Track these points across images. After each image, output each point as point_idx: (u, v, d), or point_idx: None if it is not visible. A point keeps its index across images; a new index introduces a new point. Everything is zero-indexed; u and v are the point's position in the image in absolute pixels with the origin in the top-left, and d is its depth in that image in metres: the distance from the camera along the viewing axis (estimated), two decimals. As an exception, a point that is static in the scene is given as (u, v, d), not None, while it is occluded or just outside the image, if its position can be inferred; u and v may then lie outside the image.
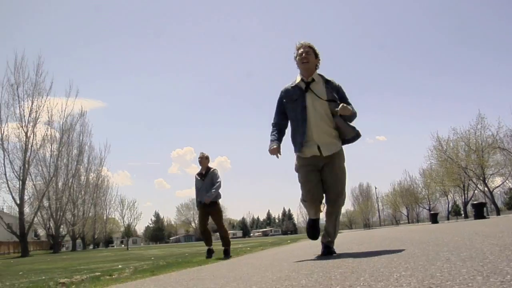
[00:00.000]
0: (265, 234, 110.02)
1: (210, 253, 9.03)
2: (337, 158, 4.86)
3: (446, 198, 63.08)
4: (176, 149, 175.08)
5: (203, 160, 9.30)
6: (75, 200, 53.44)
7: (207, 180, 9.09)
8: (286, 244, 14.59)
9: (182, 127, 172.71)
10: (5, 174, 37.80)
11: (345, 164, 4.95)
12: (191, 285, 3.45)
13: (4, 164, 37.76)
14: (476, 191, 50.04)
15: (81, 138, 51.54)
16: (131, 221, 55.67)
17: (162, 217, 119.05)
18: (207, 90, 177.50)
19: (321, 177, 4.86)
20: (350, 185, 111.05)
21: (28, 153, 38.70)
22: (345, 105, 4.65)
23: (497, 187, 48.47)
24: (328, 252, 4.93)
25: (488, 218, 26.54)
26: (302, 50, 4.93)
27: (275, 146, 4.93)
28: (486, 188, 45.58)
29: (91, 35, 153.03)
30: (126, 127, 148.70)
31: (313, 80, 4.90)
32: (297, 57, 4.96)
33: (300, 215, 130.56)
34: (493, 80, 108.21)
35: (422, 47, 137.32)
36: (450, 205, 66.51)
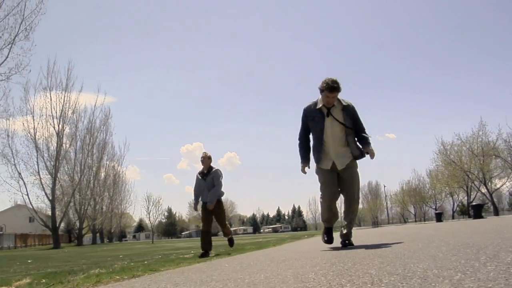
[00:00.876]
0: (275, 230, 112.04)
1: (205, 255, 8.45)
2: (350, 168, 5.88)
3: (452, 198, 65.76)
4: (186, 144, 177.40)
5: (206, 159, 9.32)
6: (96, 196, 56.49)
7: (209, 179, 9.12)
8: (305, 239, 17.01)
9: (192, 122, 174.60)
10: (38, 172, 41.05)
11: (358, 170, 6.00)
12: (269, 258, 5.38)
13: (37, 162, 41.02)
14: (478, 193, 52.97)
15: (104, 137, 54.52)
16: (156, 217, 57.98)
17: (174, 212, 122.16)
18: (217, 85, 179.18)
19: (338, 182, 5.94)
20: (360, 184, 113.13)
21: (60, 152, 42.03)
22: (373, 151, 5.84)
23: (497, 189, 51.41)
24: (348, 244, 5.96)
25: (485, 218, 29.11)
26: (327, 87, 5.61)
27: (306, 168, 6.11)
28: (486, 190, 48.59)
29: (100, 31, 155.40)
30: (135, 122, 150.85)
31: (333, 106, 5.74)
32: (324, 92, 5.64)
33: (309, 212, 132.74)
34: (501, 80, 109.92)
35: (435, 47, 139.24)
36: (456, 205, 68.96)
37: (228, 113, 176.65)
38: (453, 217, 61.98)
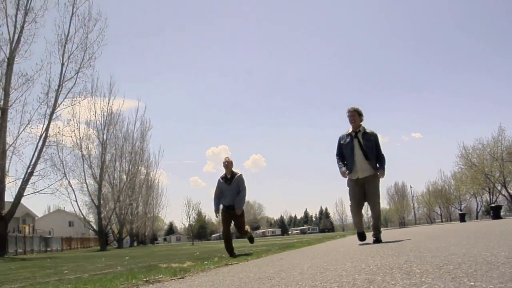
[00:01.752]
0: (303, 232, 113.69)
1: (233, 254, 9.19)
2: (372, 178, 7.74)
3: (476, 199, 67.67)
4: (211, 147, 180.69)
5: (229, 164, 9.50)
6: (133, 201, 60.06)
7: (233, 184, 9.32)
8: (338, 238, 19.79)
9: (217, 125, 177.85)
10: (85, 180, 44.70)
11: (380, 182, 7.89)
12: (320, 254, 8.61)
13: (84, 170, 44.66)
14: (500, 195, 55.39)
15: (142, 145, 58.05)
16: (195, 220, 61.27)
17: (204, 215, 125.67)
18: (241, 87, 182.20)
19: (364, 191, 7.81)
20: (386, 184, 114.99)
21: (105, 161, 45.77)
22: (383, 174, 7.83)
23: None
24: (377, 241, 7.64)
25: (503, 218, 31.46)
26: (349, 114, 7.91)
27: (344, 169, 7.84)
28: (506, 192, 50.96)
29: (125, 34, 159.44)
30: (161, 126, 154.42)
31: (359, 131, 7.87)
32: (348, 118, 7.93)
33: (336, 213, 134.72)
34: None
35: (463, 49, 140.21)
36: (481, 205, 70.69)
37: (253, 115, 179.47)
38: (477, 217, 63.91)
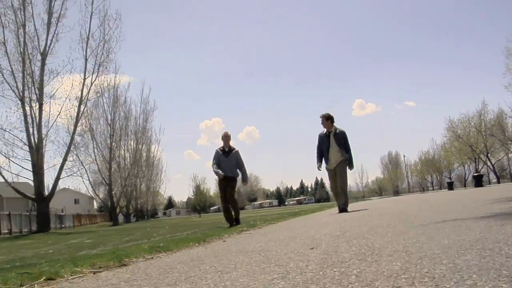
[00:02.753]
0: (299, 202, 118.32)
1: (232, 223, 10.01)
2: (341, 164, 10.23)
3: (463, 168, 71.94)
4: (205, 120, 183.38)
5: (228, 138, 10.44)
6: (137, 177, 63.42)
7: (231, 158, 10.26)
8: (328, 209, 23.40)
9: (210, 98, 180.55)
10: (96, 159, 47.86)
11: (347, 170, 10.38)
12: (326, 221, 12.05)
13: (94, 151, 47.82)
14: (485, 165, 59.93)
15: (146, 125, 61.13)
16: (201, 194, 64.79)
17: (202, 189, 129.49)
18: (233, 60, 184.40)
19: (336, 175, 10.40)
20: (380, 153, 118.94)
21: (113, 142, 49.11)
22: (351, 167, 10.39)
23: (498, 161, 58.35)
24: (343, 211, 10.08)
25: (484, 186, 35.11)
26: (321, 120, 10.39)
27: (318, 165, 10.49)
28: (489, 163, 55.36)
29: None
30: (153, 100, 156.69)
31: (331, 131, 10.35)
32: (322, 122, 10.41)
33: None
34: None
35: (456, 19, 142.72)
36: (468, 174, 74.94)
37: (246, 88, 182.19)
38: (465, 185, 68.07)
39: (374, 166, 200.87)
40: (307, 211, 16.67)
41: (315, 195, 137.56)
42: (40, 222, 25.84)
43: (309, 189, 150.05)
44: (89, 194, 67.66)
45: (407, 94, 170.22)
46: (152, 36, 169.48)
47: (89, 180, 48.23)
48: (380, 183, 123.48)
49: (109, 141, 49.27)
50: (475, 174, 38.03)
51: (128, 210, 61.22)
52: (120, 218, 68.05)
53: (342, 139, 10.33)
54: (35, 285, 2.92)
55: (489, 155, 57.45)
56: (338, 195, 10.54)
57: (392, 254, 2.46)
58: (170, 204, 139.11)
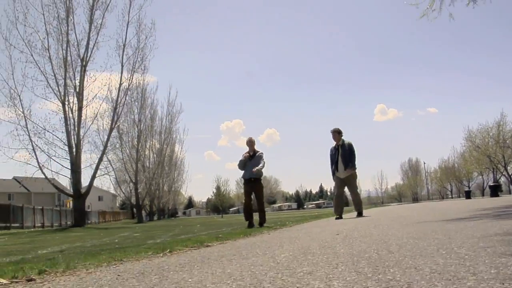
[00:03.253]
0: (318, 206, 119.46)
1: (251, 226, 10.38)
2: (351, 178, 11.70)
3: (482, 177, 72.84)
4: (225, 122, 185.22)
5: (252, 143, 11.02)
6: (161, 177, 65.57)
7: (254, 160, 10.76)
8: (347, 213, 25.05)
9: (231, 100, 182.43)
10: (123, 160, 49.98)
11: (357, 180, 12.15)
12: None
13: (121, 151, 49.92)
14: (502, 175, 61.07)
15: (172, 126, 63.37)
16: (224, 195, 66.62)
17: (222, 190, 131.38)
18: (255, 63, 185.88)
19: (344, 184, 11.74)
20: (400, 159, 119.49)
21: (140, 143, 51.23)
22: (353, 169, 11.70)
23: None
24: (359, 215, 11.70)
25: (499, 196, 36.25)
26: (332, 134, 11.86)
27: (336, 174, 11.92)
28: (507, 173, 56.38)
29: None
30: (182, 103, 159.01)
31: (340, 145, 11.76)
32: (332, 135, 11.87)
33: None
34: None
35: (479, 30, 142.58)
36: (487, 183, 75.77)
37: (267, 90, 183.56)
38: (483, 194, 68.88)
39: (394, 172, 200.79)
40: (328, 214, 18.27)
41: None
42: (76, 217, 27.81)
43: (328, 193, 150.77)
44: (112, 192, 70.36)
45: (430, 100, 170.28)
46: (176, 36, 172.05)
47: (116, 178, 50.56)
48: (400, 189, 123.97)
49: (135, 142, 51.39)
50: (491, 184, 39.27)
51: (152, 208, 63.37)
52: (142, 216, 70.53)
53: (347, 150, 11.74)
54: (191, 249, 4.66)
55: (507, 166, 58.61)
56: (338, 204, 12.26)
57: (378, 236, 4.29)
58: (190, 204, 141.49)
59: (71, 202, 60.47)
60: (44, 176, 27.53)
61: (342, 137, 11.94)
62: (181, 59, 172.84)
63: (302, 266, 2.69)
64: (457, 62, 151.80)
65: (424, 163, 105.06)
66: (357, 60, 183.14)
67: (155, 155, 60.61)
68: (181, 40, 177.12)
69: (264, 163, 10.73)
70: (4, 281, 2.85)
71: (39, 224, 36.91)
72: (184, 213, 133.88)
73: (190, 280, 2.55)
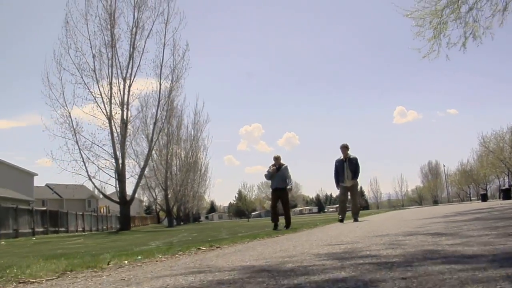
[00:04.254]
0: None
1: (276, 227, 12.25)
2: (354, 187, 14.19)
3: (498, 181, 75.27)
4: (244, 126, 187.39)
5: (278, 159, 12.95)
6: (188, 183, 68.99)
7: (280, 172, 12.73)
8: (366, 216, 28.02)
9: (250, 104, 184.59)
10: (153, 167, 53.41)
11: (358, 188, 15.05)
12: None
13: (152, 159, 53.38)
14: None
15: (198, 134, 66.91)
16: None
17: (244, 194, 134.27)
18: (273, 66, 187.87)
19: (348, 193, 14.11)
20: (420, 163, 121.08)
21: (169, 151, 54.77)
22: (355, 186, 14.41)
23: None
24: (356, 220, 13.59)
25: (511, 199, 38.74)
26: (341, 149, 14.06)
27: (338, 186, 14.23)
28: None
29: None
30: (193, 105, 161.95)
31: (347, 158, 13.92)
32: (341, 150, 14.15)
33: (371, 192, 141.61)
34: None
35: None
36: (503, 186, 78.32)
37: (286, 94, 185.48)
38: (499, 197, 71.28)
39: (414, 175, 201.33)
40: (348, 217, 21.31)
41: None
42: (122, 221, 31.29)
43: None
44: (139, 198, 74.02)
45: (449, 101, 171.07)
46: (194, 40, 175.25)
47: (147, 185, 54.04)
48: (420, 192, 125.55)
49: (164, 150, 54.82)
50: (503, 188, 41.83)
51: (179, 213, 66.91)
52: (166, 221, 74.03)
53: (354, 164, 13.98)
54: (259, 239, 7.78)
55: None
56: (343, 209, 14.47)
57: (380, 227, 7.34)
58: (212, 208, 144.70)
59: (105, 208, 64.56)
60: (93, 186, 31.11)
61: (349, 151, 14.21)
62: (199, 64, 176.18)
63: (342, 237, 5.81)
64: (476, 63, 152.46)
65: (444, 166, 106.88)
66: (375, 62, 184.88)
67: (181, 162, 63.99)
68: (199, 44, 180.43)
69: (290, 176, 13.01)
70: (204, 248, 6.02)
71: (80, 229, 40.40)
72: (207, 217, 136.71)
73: (280, 247, 5.64)
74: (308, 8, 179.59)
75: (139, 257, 5.07)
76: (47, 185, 75.88)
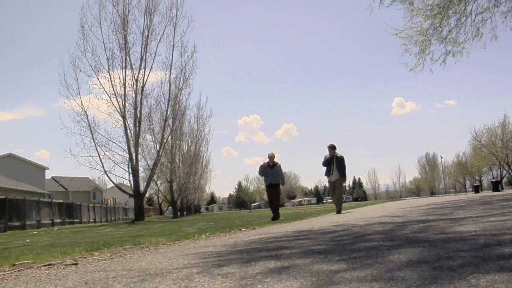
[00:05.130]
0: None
1: (275, 219, 13.76)
2: (339, 180, 15.15)
3: (492, 173, 78.18)
4: (243, 117, 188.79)
5: (273, 157, 14.52)
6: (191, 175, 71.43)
7: (274, 169, 14.44)
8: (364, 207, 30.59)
9: (248, 95, 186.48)
10: (160, 160, 55.77)
11: (344, 184, 16.71)
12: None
13: (159, 155, 55.83)
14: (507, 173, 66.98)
15: (202, 129, 69.32)
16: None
17: (244, 186, 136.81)
18: (272, 58, 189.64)
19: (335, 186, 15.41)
20: (417, 154, 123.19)
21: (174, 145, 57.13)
22: (344, 180, 15.75)
23: None
24: (339, 212, 14.38)
25: (500, 191, 41.44)
26: (328, 149, 15.33)
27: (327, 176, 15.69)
28: (509, 169, 62.04)
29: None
30: (190, 96, 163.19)
31: (333, 156, 15.13)
32: (328, 150, 15.39)
33: (369, 183, 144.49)
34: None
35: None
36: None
37: (284, 85, 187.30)
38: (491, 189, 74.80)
39: (412, 166, 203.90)
40: (346, 208, 23.83)
41: (353, 194, 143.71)
42: (137, 212, 33.83)
43: (347, 188, 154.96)
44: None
45: (448, 92, 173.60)
46: (193, 31, 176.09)
47: (155, 179, 56.45)
48: (418, 183, 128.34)
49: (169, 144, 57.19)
50: (493, 180, 44.59)
51: (182, 205, 69.46)
52: (169, 212, 76.60)
53: (340, 162, 15.28)
54: (276, 223, 10.34)
55: (509, 163, 64.12)
56: (336, 201, 15.71)
57: (365, 214, 9.86)
58: (212, 200, 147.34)
59: (112, 199, 67.14)
60: (109, 179, 33.70)
61: (336, 151, 15.53)
62: (198, 55, 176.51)
63: (339, 219, 8.36)
64: (475, 54, 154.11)
65: (441, 157, 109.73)
66: (373, 53, 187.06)
67: (184, 156, 66.19)
68: (198, 36, 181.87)
69: (283, 175, 15.28)
70: (243, 229, 8.54)
71: (92, 220, 42.98)
72: (207, 209, 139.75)
73: (303, 225, 8.14)
74: (308, 2, 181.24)
75: (207, 234, 7.58)
76: (53, 178, 78.48)
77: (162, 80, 36.55)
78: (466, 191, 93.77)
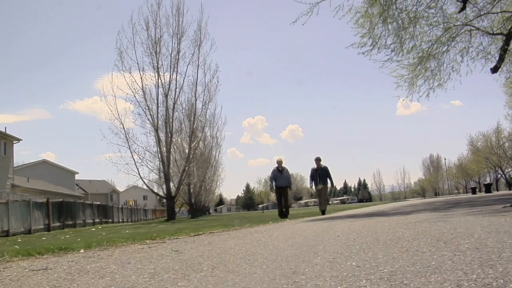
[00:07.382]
0: (342, 202, 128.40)
1: (282, 214, 16.24)
2: (324, 189, 17.18)
3: (489, 175, 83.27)
4: (247, 118, 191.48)
5: (281, 163, 16.30)
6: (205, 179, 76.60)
7: (283, 174, 16.29)
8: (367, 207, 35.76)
9: (253, 96, 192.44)
10: (176, 161, 61.02)
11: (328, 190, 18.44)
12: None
13: (175, 156, 61.06)
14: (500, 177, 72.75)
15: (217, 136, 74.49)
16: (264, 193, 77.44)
17: (252, 188, 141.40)
18: (277, 60, 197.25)
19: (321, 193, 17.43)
20: (423, 154, 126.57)
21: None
22: (331, 185, 17.52)
23: (509, 171, 70.79)
24: (323, 213, 16.62)
25: (492, 192, 46.40)
26: (315, 161, 17.02)
27: (312, 187, 17.92)
28: (502, 173, 67.64)
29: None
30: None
31: (319, 168, 16.88)
32: (315, 161, 17.16)
33: (374, 184, 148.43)
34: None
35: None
36: (492, 181, 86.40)
37: (289, 86, 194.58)
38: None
39: (416, 167, 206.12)
40: (347, 208, 28.89)
41: (358, 195, 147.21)
42: (169, 213, 39.11)
43: (352, 189, 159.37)
44: (156, 191, 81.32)
45: (453, 93, 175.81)
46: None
47: (173, 181, 61.74)
48: (422, 185, 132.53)
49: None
50: (485, 183, 49.77)
51: (197, 206, 74.77)
52: (181, 213, 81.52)
53: (324, 172, 17.04)
54: (292, 220, 15.71)
55: (502, 167, 69.51)
56: (321, 205, 17.70)
57: (354, 213, 15.26)
58: (220, 201, 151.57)
59: (133, 202, 72.65)
60: (144, 184, 39.23)
61: (321, 162, 17.20)
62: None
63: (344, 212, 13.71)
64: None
65: (445, 159, 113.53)
66: (378, 54, 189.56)
67: (199, 161, 71.11)
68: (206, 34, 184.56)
69: (290, 178, 17.38)
70: (286, 221, 13.89)
71: (121, 220, 48.26)
72: (215, 210, 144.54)
73: (325, 218, 13.48)
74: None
75: (259, 224, 12.83)
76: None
77: (188, 97, 41.94)
78: (466, 192, 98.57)
